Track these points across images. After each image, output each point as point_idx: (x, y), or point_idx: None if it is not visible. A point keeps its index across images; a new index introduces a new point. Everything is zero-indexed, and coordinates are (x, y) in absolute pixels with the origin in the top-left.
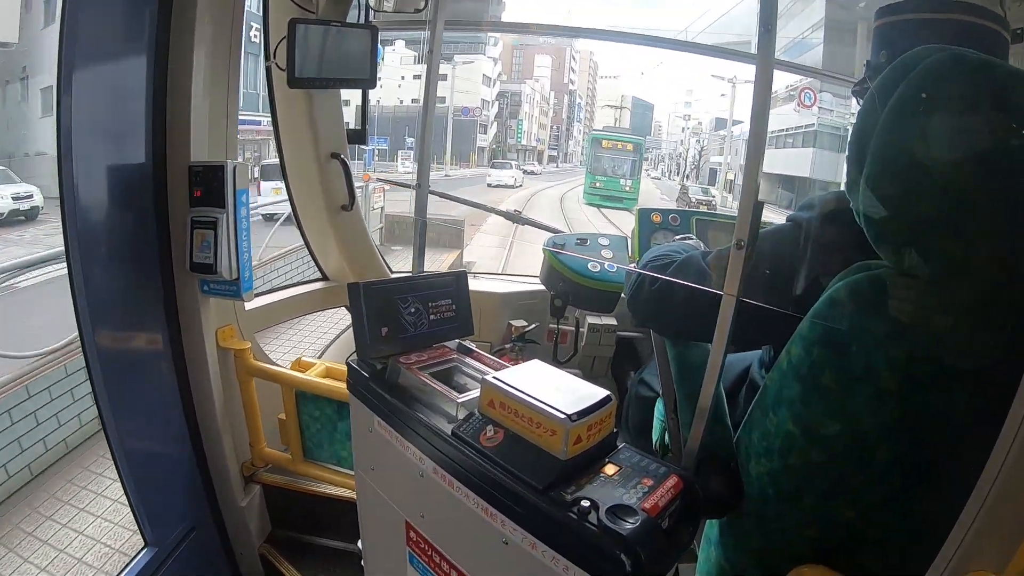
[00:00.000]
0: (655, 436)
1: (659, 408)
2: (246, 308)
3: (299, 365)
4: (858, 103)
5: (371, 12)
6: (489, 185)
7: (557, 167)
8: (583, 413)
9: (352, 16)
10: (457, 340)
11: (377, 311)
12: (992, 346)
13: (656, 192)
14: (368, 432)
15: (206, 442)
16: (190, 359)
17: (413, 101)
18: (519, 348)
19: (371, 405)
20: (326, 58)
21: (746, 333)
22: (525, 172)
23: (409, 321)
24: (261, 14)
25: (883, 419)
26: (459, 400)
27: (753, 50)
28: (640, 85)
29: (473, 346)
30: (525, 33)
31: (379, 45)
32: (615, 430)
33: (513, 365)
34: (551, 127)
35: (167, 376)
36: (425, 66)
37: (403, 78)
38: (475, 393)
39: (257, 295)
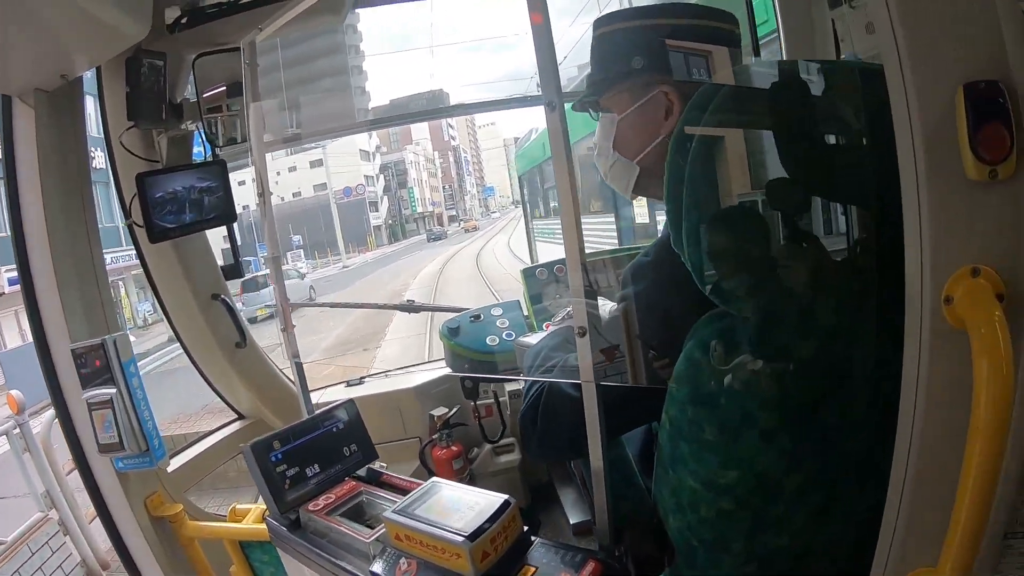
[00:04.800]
0: None
1: None
2: (168, 470)
3: (235, 514)
4: (586, 112)
5: (215, 148)
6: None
7: (459, 226)
8: (481, 530)
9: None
10: (367, 467)
11: (274, 466)
12: (860, 355)
13: None
14: None
15: None
16: (127, 537)
17: (294, 195)
18: (448, 436)
19: (297, 556)
20: (182, 204)
21: (629, 414)
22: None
23: (309, 466)
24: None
25: (777, 455)
26: (368, 540)
27: None
28: (517, 124)
29: (383, 467)
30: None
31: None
32: (525, 528)
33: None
34: (444, 187)
35: None
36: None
37: (279, 173)
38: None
39: (173, 454)
